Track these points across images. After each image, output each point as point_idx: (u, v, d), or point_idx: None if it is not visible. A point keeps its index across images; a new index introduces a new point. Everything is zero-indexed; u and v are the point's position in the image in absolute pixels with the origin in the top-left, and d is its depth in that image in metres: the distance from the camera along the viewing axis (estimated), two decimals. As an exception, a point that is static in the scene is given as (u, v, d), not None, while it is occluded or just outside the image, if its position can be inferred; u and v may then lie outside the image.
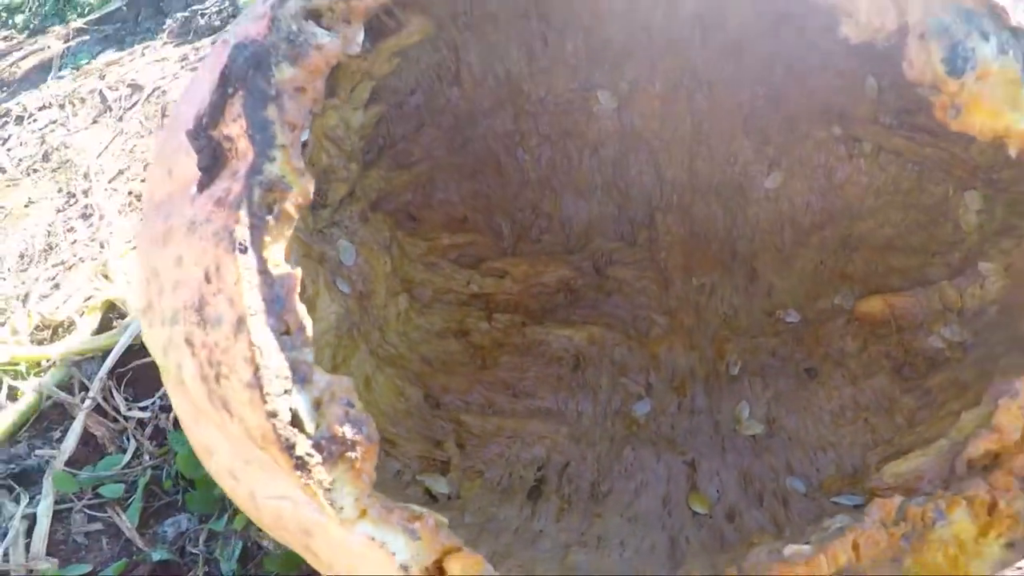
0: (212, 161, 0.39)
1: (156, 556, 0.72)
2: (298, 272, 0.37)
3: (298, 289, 0.36)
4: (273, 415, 0.34)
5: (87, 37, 1.76)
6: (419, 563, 0.36)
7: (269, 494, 0.39)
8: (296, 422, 0.36)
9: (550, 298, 0.82)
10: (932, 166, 0.71)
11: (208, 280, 0.36)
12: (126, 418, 0.86)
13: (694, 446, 0.68)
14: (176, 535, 0.75)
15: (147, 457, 0.82)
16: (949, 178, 0.70)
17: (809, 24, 0.61)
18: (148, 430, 0.85)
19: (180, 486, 0.79)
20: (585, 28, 0.78)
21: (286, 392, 0.35)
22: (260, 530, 0.72)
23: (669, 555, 0.53)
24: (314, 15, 0.42)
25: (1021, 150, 0.46)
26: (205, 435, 0.43)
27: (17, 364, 0.94)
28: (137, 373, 0.90)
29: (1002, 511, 0.41)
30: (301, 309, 0.36)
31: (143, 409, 0.87)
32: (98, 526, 0.78)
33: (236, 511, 0.73)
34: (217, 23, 1.62)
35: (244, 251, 0.36)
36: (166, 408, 0.86)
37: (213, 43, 1.56)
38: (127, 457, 0.82)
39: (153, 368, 0.92)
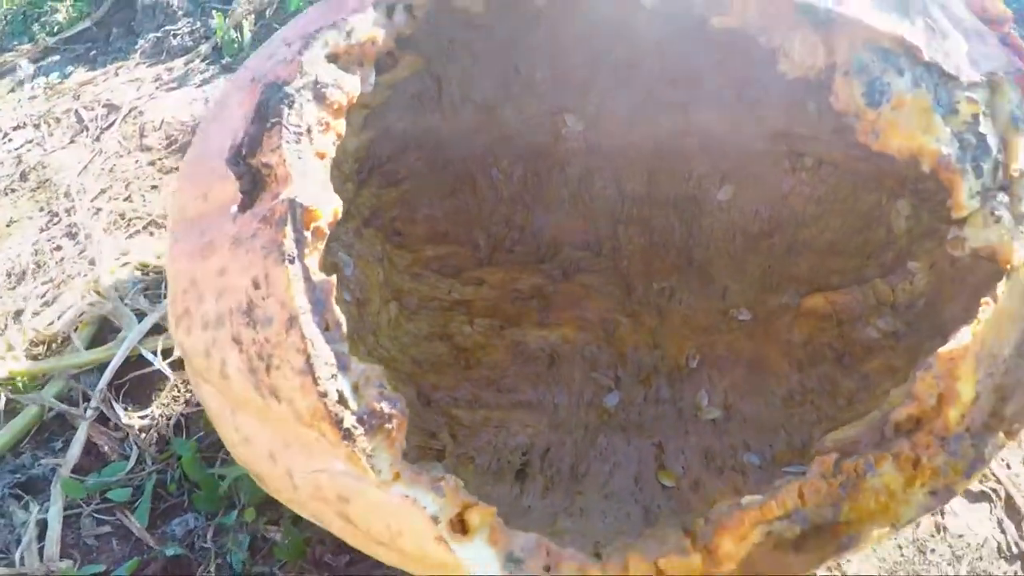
0: (252, 185, 0.45)
1: (169, 552, 0.76)
2: (333, 279, 0.44)
3: (334, 293, 0.43)
4: (324, 395, 0.41)
5: (57, 56, 1.75)
6: (445, 515, 0.43)
7: (308, 469, 0.45)
8: (341, 400, 0.43)
9: (525, 303, 0.88)
10: (866, 177, 0.78)
11: (257, 287, 0.43)
12: (128, 426, 0.90)
13: (660, 430, 0.75)
14: (185, 533, 0.79)
15: (150, 462, 0.86)
16: (881, 188, 0.77)
17: (755, 59, 0.68)
18: (149, 437, 0.89)
19: (185, 487, 0.83)
20: (553, 60, 0.84)
21: (332, 377, 0.42)
22: (268, 522, 0.77)
23: (644, 519, 0.61)
24: (333, 59, 0.49)
25: (933, 167, 0.54)
26: (244, 425, 0.49)
27: (14, 379, 0.98)
28: (134, 384, 0.94)
29: (925, 465, 0.47)
30: (337, 309, 0.43)
31: (143, 417, 0.91)
32: (107, 529, 0.81)
33: (244, 506, 0.78)
34: (189, 43, 1.63)
35: (292, 261, 0.42)
36: (166, 416, 0.91)
37: (187, 63, 1.59)
38: (131, 463, 0.85)
39: (150, 379, 0.96)
